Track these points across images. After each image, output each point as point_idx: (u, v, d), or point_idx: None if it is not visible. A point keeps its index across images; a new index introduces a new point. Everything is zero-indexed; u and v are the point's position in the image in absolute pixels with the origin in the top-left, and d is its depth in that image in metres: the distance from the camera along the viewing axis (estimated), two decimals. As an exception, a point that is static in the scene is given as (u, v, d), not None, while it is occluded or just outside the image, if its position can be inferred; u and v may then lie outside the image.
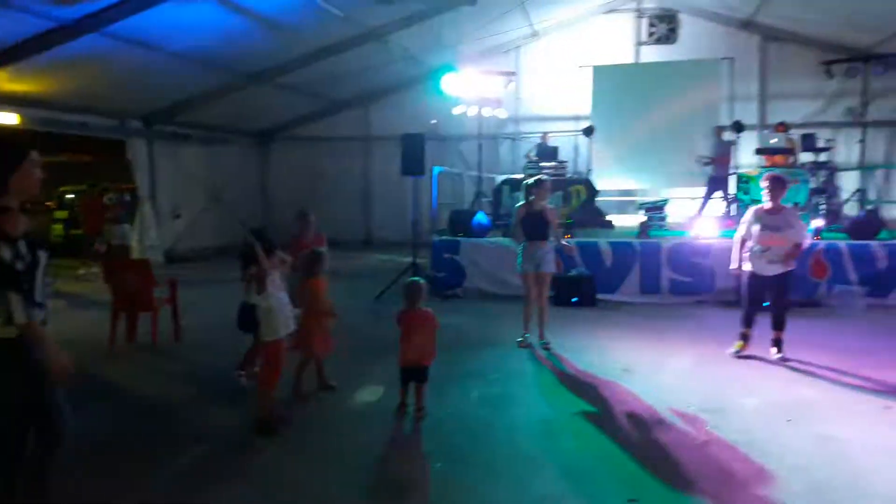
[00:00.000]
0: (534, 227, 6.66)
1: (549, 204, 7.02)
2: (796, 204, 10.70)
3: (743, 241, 6.26)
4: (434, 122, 13.24)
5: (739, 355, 6.34)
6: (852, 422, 4.73)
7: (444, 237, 10.13)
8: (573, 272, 9.18)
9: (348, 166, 16.72)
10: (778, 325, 6.28)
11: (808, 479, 3.88)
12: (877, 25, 12.32)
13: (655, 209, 10.78)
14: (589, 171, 13.08)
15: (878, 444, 4.33)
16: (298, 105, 15.71)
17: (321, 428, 4.79)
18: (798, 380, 5.72)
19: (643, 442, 4.45)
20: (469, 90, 11.65)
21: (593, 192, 12.08)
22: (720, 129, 11.62)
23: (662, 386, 5.60)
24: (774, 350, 6.30)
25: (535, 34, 15.29)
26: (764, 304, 6.31)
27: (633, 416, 4.90)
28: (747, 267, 6.23)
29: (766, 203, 6.11)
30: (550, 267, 6.76)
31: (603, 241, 9.50)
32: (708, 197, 11.86)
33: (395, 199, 15.71)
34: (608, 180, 13.64)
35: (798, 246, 6.02)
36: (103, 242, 11.68)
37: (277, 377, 4.76)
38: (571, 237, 9.47)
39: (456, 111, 12.19)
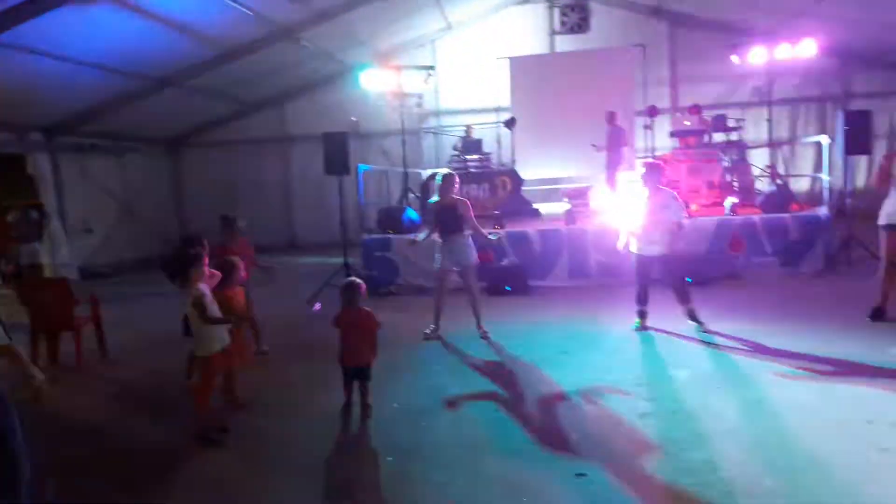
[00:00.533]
0: (447, 221, 6.63)
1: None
2: (711, 182, 11.18)
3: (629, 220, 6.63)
4: (354, 119, 13.08)
5: (642, 329, 6.65)
6: (776, 384, 4.96)
7: (374, 235, 10.04)
8: (504, 261, 9.27)
9: (267, 168, 16.36)
10: (683, 300, 6.62)
11: (740, 441, 4.05)
12: (777, 8, 12.97)
13: (579, 196, 10.98)
14: (513, 161, 13.21)
15: (799, 403, 4.56)
16: (212, 108, 15.24)
17: (267, 433, 4.68)
18: (723, 349, 5.95)
19: (586, 419, 4.54)
20: (388, 86, 11.56)
21: (519, 182, 12.21)
22: (611, 114, 11.93)
23: (599, 364, 5.73)
24: (692, 322, 6.59)
25: (450, 27, 15.34)
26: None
27: (573, 396, 4.98)
28: (633, 248, 6.59)
29: (647, 188, 6.47)
30: (470, 259, 6.73)
31: (531, 230, 9.62)
32: (611, 182, 12.03)
33: (318, 199, 15.50)
34: (532, 170, 13.84)
35: (678, 224, 6.43)
36: (11, 263, 10.98)
37: (211, 390, 4.65)
38: (501, 228, 9.57)
39: (376, 107, 12.08)
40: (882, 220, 6.38)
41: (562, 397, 4.98)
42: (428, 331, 6.88)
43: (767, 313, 7.11)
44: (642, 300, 6.72)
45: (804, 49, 10.70)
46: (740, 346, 5.97)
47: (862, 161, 13.64)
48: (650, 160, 6.76)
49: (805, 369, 5.23)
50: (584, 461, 3.88)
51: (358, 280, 5.09)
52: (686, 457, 3.86)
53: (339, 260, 9.81)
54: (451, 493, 3.63)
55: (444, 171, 7.00)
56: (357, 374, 4.89)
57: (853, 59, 14.74)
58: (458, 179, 6.91)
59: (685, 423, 4.34)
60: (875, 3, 11.59)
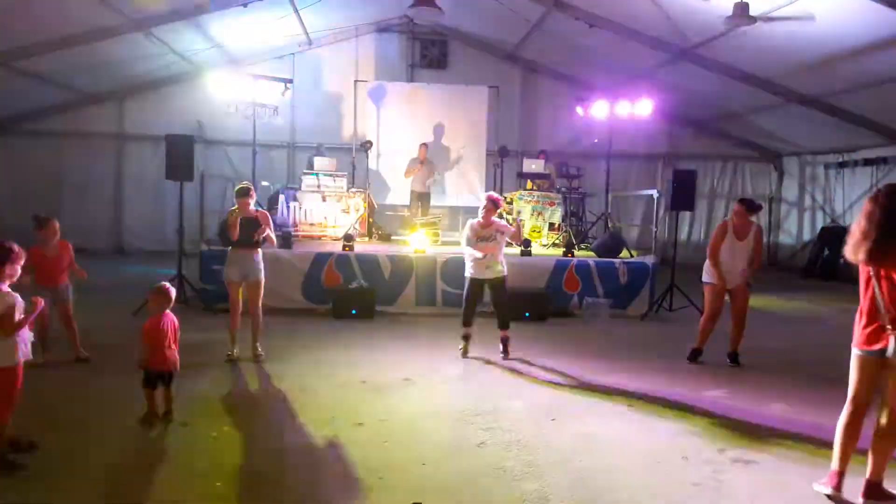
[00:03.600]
0: (245, 234, 6.46)
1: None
2: (552, 224, 11.79)
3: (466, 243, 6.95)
4: (200, 122, 12.40)
5: (467, 356, 6.91)
6: (603, 419, 5.21)
7: (213, 247, 9.47)
8: (353, 284, 9.12)
9: (98, 166, 14.92)
10: (503, 325, 7.00)
11: (570, 471, 4.19)
12: (616, 69, 14.10)
13: (430, 224, 11.12)
14: (368, 185, 13.13)
15: (625, 439, 4.81)
16: (40, 94, 13.76)
17: (70, 453, 4.17)
18: (556, 382, 6.19)
19: (424, 446, 4.48)
20: (242, 94, 11.09)
21: (372, 205, 12.15)
22: (422, 146, 12.55)
23: (439, 393, 5.75)
24: (501, 347, 6.98)
25: (310, 44, 15.09)
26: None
27: (416, 422, 4.93)
28: (468, 272, 6.93)
29: (481, 218, 6.89)
30: (259, 275, 6.56)
31: (382, 255, 9.56)
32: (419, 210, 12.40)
33: (154, 204, 14.49)
34: (387, 195, 13.89)
35: (518, 231, 7.18)
36: None
37: (12, 407, 4.08)
38: (351, 250, 9.44)
39: (226, 114, 11.51)
40: (705, 277, 7.02)
41: (403, 426, 4.92)
42: (229, 352, 6.55)
43: (598, 351, 7.52)
44: (468, 321, 6.98)
45: (641, 108, 11.66)
46: (572, 381, 6.24)
47: (686, 216, 15.05)
48: (492, 195, 7.11)
49: (630, 406, 5.55)
50: (420, 491, 3.82)
51: (167, 284, 5.05)
52: (520, 487, 3.93)
53: (171, 271, 9.17)
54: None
55: (244, 183, 6.79)
56: (159, 378, 4.85)
57: (681, 123, 16.34)
58: (254, 192, 6.66)
59: (518, 454, 4.42)
60: (698, 76, 12.93)
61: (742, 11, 9.02)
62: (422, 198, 12.62)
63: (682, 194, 10.06)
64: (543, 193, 12.23)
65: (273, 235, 6.69)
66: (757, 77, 12.45)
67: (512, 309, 7.36)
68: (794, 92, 12.58)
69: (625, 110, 11.73)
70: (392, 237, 11.90)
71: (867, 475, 3.77)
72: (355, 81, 14.54)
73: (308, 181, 11.70)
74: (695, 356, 7.09)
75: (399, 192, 13.58)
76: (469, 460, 4.33)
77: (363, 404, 5.35)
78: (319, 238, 11.24)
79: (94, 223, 14.30)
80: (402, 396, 5.61)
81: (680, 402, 5.67)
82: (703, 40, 11.43)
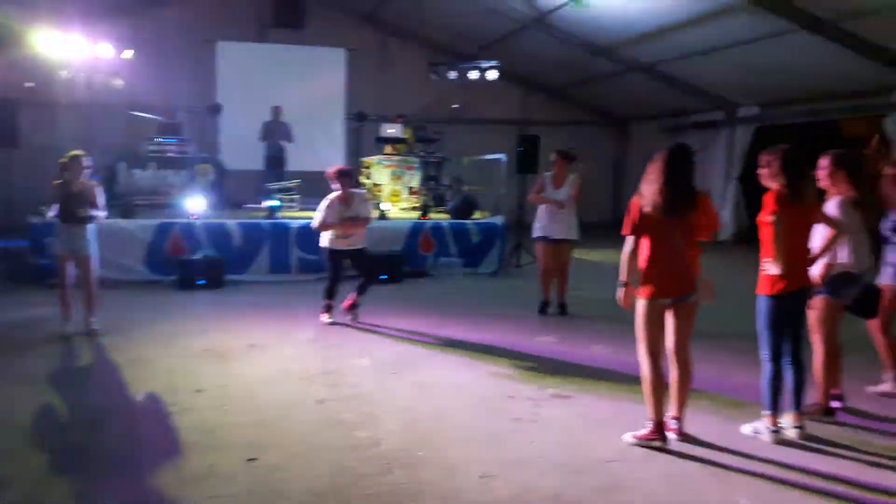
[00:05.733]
0: (70, 207, 6.18)
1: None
2: (411, 188, 11.96)
3: (325, 222, 6.81)
4: (30, 84, 11.44)
5: (332, 323, 6.85)
6: (444, 369, 5.51)
7: (44, 220, 8.84)
8: (199, 254, 8.86)
9: None
10: (360, 291, 7.02)
11: (403, 418, 4.42)
12: (475, 36, 14.39)
13: (284, 190, 10.96)
14: (217, 150, 12.69)
15: (459, 384, 5.12)
16: None
17: None
18: (404, 340, 6.41)
19: (265, 406, 4.55)
20: (76, 54, 10.30)
21: (222, 172, 11.75)
22: (275, 108, 12.44)
23: (286, 356, 5.80)
24: (351, 312, 6.99)
25: (152, 2, 14.19)
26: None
27: (258, 386, 4.97)
28: (326, 243, 6.89)
29: (337, 191, 6.83)
30: (88, 249, 6.24)
31: (231, 222, 9.34)
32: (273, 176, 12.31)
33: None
34: (239, 160, 13.45)
35: (366, 219, 6.96)
36: None
37: None
38: (198, 218, 9.15)
39: (57, 76, 10.68)
40: (534, 233, 7.49)
41: (242, 390, 4.94)
42: (64, 329, 6.23)
43: (449, 307, 7.84)
44: (331, 293, 6.93)
45: (491, 74, 12.02)
46: (422, 336, 6.48)
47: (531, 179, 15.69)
48: (342, 167, 7.11)
49: (470, 355, 5.87)
50: (258, 447, 3.91)
51: None
52: (354, 435, 4.11)
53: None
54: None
55: (74, 152, 6.38)
56: None
57: (534, 90, 16.97)
58: (85, 162, 6.27)
59: (358, 406, 4.59)
60: (547, 44, 13.48)
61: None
62: (276, 163, 12.37)
63: (527, 158, 10.54)
64: (402, 158, 12.33)
65: (101, 212, 6.28)
66: (599, 45, 13.17)
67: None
68: (633, 60, 13.43)
69: (476, 76, 12.04)
70: (244, 204, 11.61)
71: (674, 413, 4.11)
72: (203, 41, 13.88)
73: (151, 147, 11.13)
74: (544, 308, 7.52)
75: (252, 157, 13.16)
76: (307, 416, 4.45)
77: (203, 372, 5.30)
78: (163, 207, 10.74)
79: None
80: (246, 362, 5.60)
81: (513, 349, 6.07)
82: (550, 9, 11.90)
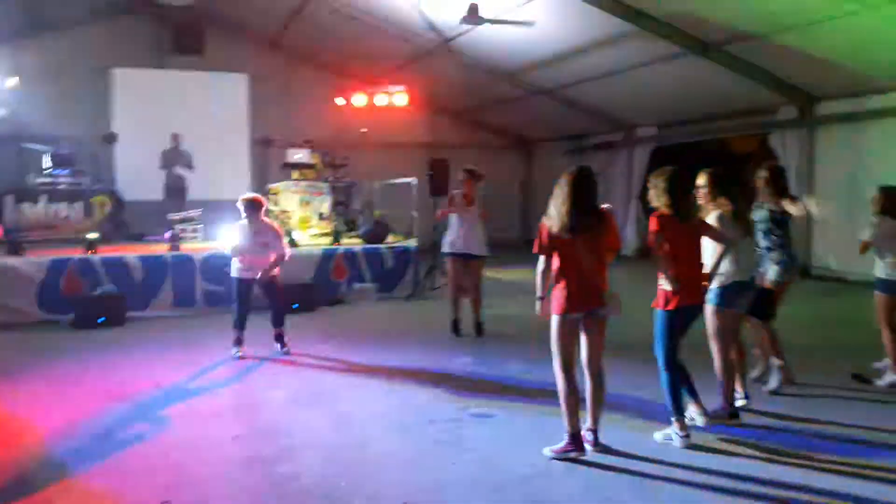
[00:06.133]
0: None
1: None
2: (321, 214, 11.81)
3: (238, 249, 6.66)
4: None
5: (243, 357, 6.59)
6: (363, 397, 5.42)
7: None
8: (99, 291, 8.39)
9: None
10: (277, 323, 6.84)
11: (324, 450, 4.31)
12: (381, 61, 14.46)
13: (187, 220, 10.58)
14: (114, 181, 12.13)
15: (380, 412, 5.05)
16: None
17: None
18: (320, 369, 6.28)
19: (177, 446, 4.32)
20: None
21: (120, 203, 11.24)
22: (175, 136, 12.18)
23: (197, 393, 5.55)
24: (278, 346, 6.81)
25: (39, 28, 13.47)
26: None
27: (163, 426, 4.74)
28: (235, 273, 6.70)
29: (245, 219, 6.66)
30: None
31: (131, 255, 8.91)
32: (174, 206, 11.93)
33: None
34: (138, 190, 12.89)
35: (281, 257, 6.76)
36: None
37: None
38: (96, 252, 8.69)
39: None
40: (444, 249, 7.56)
41: (149, 426, 4.69)
42: None
43: (364, 334, 7.73)
44: (241, 325, 6.70)
45: (400, 99, 12.11)
46: (337, 366, 6.36)
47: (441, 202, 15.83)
48: (252, 196, 6.88)
49: (389, 381, 5.80)
50: (172, 487, 3.72)
51: None
52: (273, 471, 3.97)
53: None
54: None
55: None
56: None
57: (441, 113, 17.21)
58: None
59: (275, 441, 4.45)
60: (452, 69, 13.73)
61: (473, 12, 9.82)
62: (177, 192, 11.94)
63: (438, 181, 10.64)
64: (310, 183, 12.18)
65: None
66: (502, 70, 13.52)
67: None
68: (534, 85, 13.86)
69: (384, 101, 12.09)
70: (144, 237, 11.12)
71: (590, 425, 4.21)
72: (98, 68, 13.29)
73: (41, 180, 10.52)
74: (456, 327, 7.51)
75: (151, 186, 12.64)
76: (222, 454, 4.28)
77: (107, 415, 4.99)
78: (57, 242, 10.14)
79: None
80: (153, 402, 5.32)
81: (431, 372, 6.06)
82: (453, 35, 12.13)
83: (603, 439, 4.20)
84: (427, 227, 11.71)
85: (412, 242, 10.62)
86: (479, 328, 7.52)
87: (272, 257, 6.71)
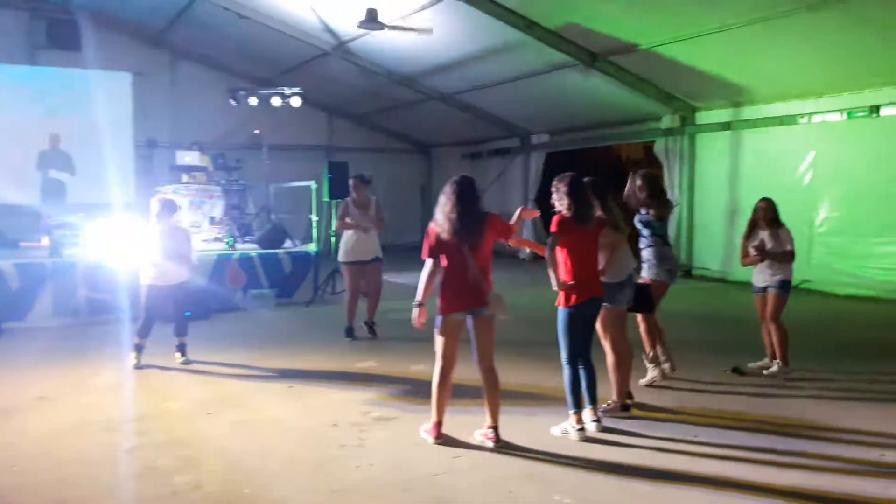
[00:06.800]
0: None
1: None
2: (213, 218, 11.43)
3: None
4: None
5: (140, 366, 6.31)
6: (263, 404, 5.33)
7: None
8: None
9: None
10: (180, 332, 6.59)
11: (226, 458, 4.23)
12: (276, 62, 14.17)
13: (68, 226, 9.95)
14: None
15: (281, 418, 4.99)
16: None
17: None
18: (219, 377, 6.11)
19: (65, 462, 4.09)
20: None
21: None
22: (53, 136, 11.65)
23: (85, 406, 5.27)
24: (178, 355, 6.54)
25: None
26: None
27: (54, 440, 4.46)
28: (147, 280, 6.43)
29: (157, 222, 6.41)
30: None
31: (5, 263, 8.30)
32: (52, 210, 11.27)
33: None
34: (12, 193, 11.95)
35: (188, 259, 6.61)
36: None
37: None
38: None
39: None
40: (340, 258, 7.61)
41: (39, 445, 4.42)
42: None
43: (263, 341, 7.56)
44: (145, 333, 6.37)
45: (294, 101, 11.92)
46: (236, 373, 6.20)
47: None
48: (165, 196, 6.72)
49: (290, 387, 5.73)
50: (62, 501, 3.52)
51: None
52: (172, 481, 3.84)
53: None
54: None
55: None
56: None
57: (339, 116, 17.09)
58: None
59: (173, 451, 4.30)
60: (350, 72, 13.66)
61: (371, 17, 9.86)
62: (55, 195, 11.21)
63: (338, 184, 10.55)
64: (201, 187, 11.77)
65: None
66: (400, 75, 13.59)
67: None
68: (433, 89, 14.03)
69: (278, 102, 11.88)
70: (20, 242, 10.37)
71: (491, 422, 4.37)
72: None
73: None
74: (351, 332, 7.53)
75: (23, 188, 11.74)
76: (116, 467, 4.11)
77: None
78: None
79: None
80: (36, 416, 5.00)
81: (333, 377, 6.04)
82: (350, 38, 12.08)
83: (504, 435, 4.34)
84: (327, 231, 11.62)
85: (312, 246, 10.48)
86: (371, 328, 7.60)
87: (184, 262, 6.50)
